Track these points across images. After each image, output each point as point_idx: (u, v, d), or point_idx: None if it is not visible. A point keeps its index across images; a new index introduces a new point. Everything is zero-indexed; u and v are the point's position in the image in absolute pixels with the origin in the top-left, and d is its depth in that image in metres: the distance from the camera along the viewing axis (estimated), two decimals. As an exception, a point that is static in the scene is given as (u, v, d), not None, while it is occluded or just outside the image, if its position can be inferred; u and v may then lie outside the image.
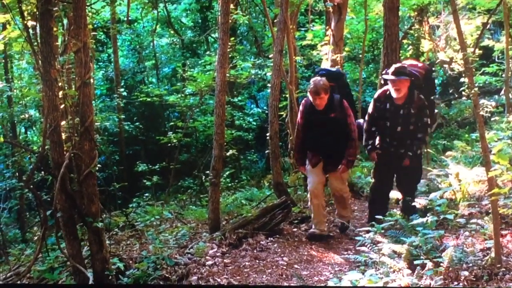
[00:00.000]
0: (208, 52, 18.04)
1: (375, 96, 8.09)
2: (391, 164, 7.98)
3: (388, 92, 7.82)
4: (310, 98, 7.67)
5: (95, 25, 15.83)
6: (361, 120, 8.55)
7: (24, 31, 5.68)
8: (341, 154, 7.79)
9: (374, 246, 6.13)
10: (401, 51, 17.03)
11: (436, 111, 8.50)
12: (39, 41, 5.51)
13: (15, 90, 9.78)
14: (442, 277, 5.22)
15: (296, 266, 6.96)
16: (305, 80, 17.80)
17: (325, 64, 11.11)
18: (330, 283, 5.04)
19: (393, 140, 7.86)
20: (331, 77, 7.98)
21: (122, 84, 18.59)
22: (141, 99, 15.93)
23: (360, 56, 16.94)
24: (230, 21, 8.53)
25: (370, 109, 8.04)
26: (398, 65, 7.92)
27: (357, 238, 6.60)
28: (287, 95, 10.93)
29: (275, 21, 11.30)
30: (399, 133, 7.79)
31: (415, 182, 8.22)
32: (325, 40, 11.88)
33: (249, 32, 20.94)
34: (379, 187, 8.26)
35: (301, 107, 8.04)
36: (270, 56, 11.52)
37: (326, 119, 7.68)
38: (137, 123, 17.09)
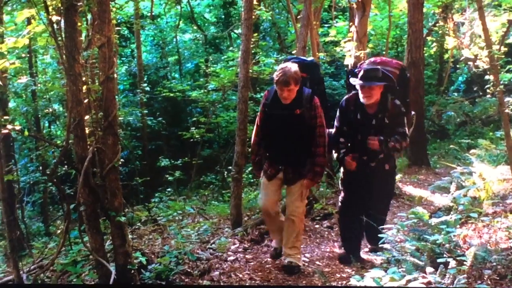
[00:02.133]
0: (231, 48, 18.00)
1: (343, 104, 6.67)
2: (362, 179, 6.66)
3: (357, 98, 6.46)
4: (276, 88, 6.16)
5: (119, 20, 15.92)
6: (332, 130, 6.83)
7: (49, 26, 5.70)
8: (304, 163, 6.37)
9: (396, 243, 6.09)
10: (425, 48, 16.94)
11: (412, 113, 7.13)
12: (63, 35, 5.53)
13: (39, 85, 9.83)
14: (465, 275, 5.17)
15: (318, 263, 6.95)
16: (328, 76, 17.74)
17: (348, 61, 11.00)
18: (352, 281, 5.00)
19: (364, 154, 6.58)
20: (303, 67, 6.45)
21: (145, 79, 18.64)
22: (164, 94, 16.01)
23: (384, 52, 16.84)
24: (253, 17, 8.52)
25: (336, 121, 6.76)
26: (369, 66, 6.48)
27: (380, 235, 6.57)
28: (310, 91, 10.88)
29: (298, 17, 11.26)
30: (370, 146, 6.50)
31: (387, 197, 7.11)
32: (348, 36, 11.79)
33: (272, 28, 20.90)
34: (349, 204, 6.90)
35: (262, 99, 6.56)
36: (293, 52, 11.48)
37: (290, 115, 6.19)
38: (159, 118, 17.13)
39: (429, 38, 19.76)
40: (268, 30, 21.53)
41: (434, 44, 20.24)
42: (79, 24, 5.89)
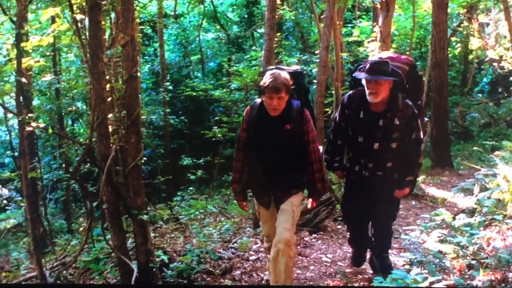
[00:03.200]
0: (253, 47, 18.03)
1: (344, 99, 5.79)
2: (365, 193, 5.78)
3: (362, 95, 5.55)
4: (264, 97, 5.17)
5: (142, 19, 15.95)
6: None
7: (73, 25, 5.73)
8: (295, 182, 5.45)
9: (419, 245, 6.05)
10: (449, 49, 16.84)
11: (426, 119, 6.50)
12: (87, 34, 5.56)
13: (63, 83, 9.89)
14: (489, 278, 5.13)
15: (340, 263, 6.92)
16: (350, 77, 17.70)
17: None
18: (375, 282, 4.98)
19: (368, 162, 5.69)
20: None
21: (168, 78, 18.70)
22: (186, 93, 16.07)
23: (407, 53, 16.75)
24: (276, 16, 8.50)
25: (337, 117, 5.93)
26: (376, 59, 5.65)
27: (402, 237, 6.52)
28: (333, 92, 10.86)
29: (321, 17, 11.22)
30: (376, 152, 5.60)
31: (390, 218, 6.08)
32: (372, 36, 11.77)
33: (295, 28, 20.87)
34: (352, 226, 6.29)
35: (244, 115, 5.53)
36: (316, 52, 11.49)
37: (279, 132, 5.23)
38: (182, 117, 17.20)
39: (453, 38, 19.66)
40: (291, 30, 21.50)
41: (459, 44, 20.14)
42: (103, 22, 5.93)
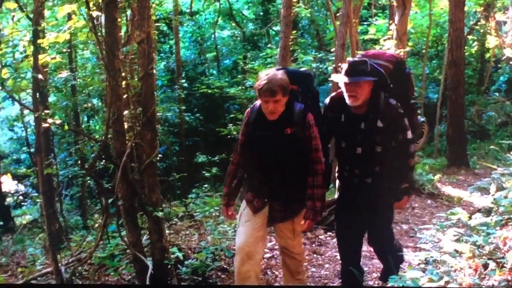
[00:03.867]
0: (269, 45, 18.02)
1: (326, 102, 5.35)
2: (357, 201, 5.27)
3: (343, 97, 5.11)
4: (259, 101, 4.86)
5: (158, 17, 16.00)
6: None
7: (89, 22, 5.75)
8: (297, 195, 4.94)
9: (435, 244, 6.02)
10: (466, 47, 16.75)
11: (421, 119, 5.97)
12: (103, 31, 5.58)
13: (78, 80, 9.92)
14: (505, 278, 5.10)
15: (354, 261, 6.90)
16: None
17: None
18: (390, 280, 4.95)
19: (354, 167, 5.24)
20: (294, 78, 5.03)
21: (183, 75, 18.72)
22: (201, 90, 16.11)
23: (424, 51, 16.69)
24: (292, 14, 8.50)
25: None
26: (354, 59, 5.26)
27: (418, 235, 6.49)
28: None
29: (337, 14, 11.22)
30: (360, 157, 5.16)
31: (386, 223, 5.56)
32: (388, 34, 11.72)
33: (311, 26, 20.84)
34: (344, 235, 5.51)
35: (244, 118, 5.16)
36: (332, 50, 11.45)
37: (278, 136, 4.80)
38: (197, 115, 17.21)
39: (470, 37, 19.55)
40: (306, 28, 21.48)
41: (475, 43, 20.02)
42: (119, 19, 5.94)
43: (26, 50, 6.93)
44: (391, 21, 12.17)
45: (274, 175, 4.86)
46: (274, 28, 20.65)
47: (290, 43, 8.83)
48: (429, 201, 10.25)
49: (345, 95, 5.00)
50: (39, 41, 6.20)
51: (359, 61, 5.01)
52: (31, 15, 6.67)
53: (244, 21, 22.58)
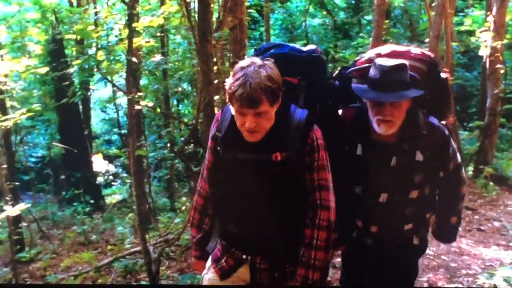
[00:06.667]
0: (360, 34, 17.83)
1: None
2: (370, 268, 3.54)
3: (360, 117, 3.36)
4: (232, 112, 2.84)
5: (249, 3, 16.08)
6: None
7: (183, 7, 5.82)
8: (292, 251, 3.00)
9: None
10: None
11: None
12: (196, 16, 5.64)
13: (170, 64, 10.08)
14: None
15: (443, 257, 6.79)
16: (460, 67, 17.22)
17: (483, 52, 10.47)
18: (480, 278, 4.85)
19: (370, 224, 3.43)
20: (294, 64, 3.22)
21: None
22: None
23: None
24: (385, 3, 8.39)
25: None
26: (386, 63, 3.10)
27: (511, 233, 6.33)
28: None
29: (432, 4, 10.97)
30: (384, 208, 3.35)
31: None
32: (485, 26, 11.39)
33: (404, 15, 20.48)
34: None
35: (212, 126, 3.12)
36: (425, 40, 11.23)
37: (262, 163, 2.86)
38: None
39: None
40: (399, 17, 21.12)
41: None
42: (211, 5, 6.00)
43: (121, 33, 7.11)
44: (488, 12, 11.83)
45: (259, 218, 2.96)
46: (365, 17, 20.43)
47: (382, 32, 8.70)
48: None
49: (373, 120, 3.20)
50: (134, 24, 6.33)
51: (397, 66, 3.07)
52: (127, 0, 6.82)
53: (336, 9, 22.39)
